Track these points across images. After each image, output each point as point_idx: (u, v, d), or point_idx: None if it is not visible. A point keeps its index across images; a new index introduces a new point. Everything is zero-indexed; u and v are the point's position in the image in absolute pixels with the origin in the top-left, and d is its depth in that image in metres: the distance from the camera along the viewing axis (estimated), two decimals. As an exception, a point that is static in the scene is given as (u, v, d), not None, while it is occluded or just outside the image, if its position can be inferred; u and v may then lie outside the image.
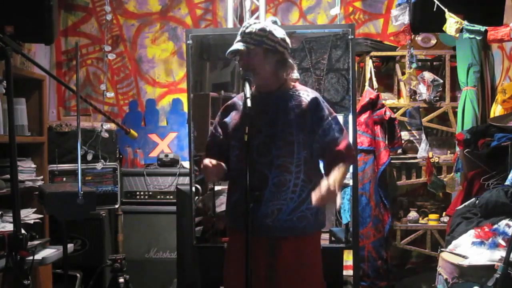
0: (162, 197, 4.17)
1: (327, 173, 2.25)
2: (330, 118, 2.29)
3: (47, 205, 2.87)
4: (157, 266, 4.09)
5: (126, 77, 4.72)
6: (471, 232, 2.63)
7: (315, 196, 2.11)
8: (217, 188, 3.33)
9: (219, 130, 2.45)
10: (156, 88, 4.69)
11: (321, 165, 2.40)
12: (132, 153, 4.49)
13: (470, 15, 2.66)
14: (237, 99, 2.46)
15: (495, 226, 2.56)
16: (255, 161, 2.20)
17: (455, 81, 4.06)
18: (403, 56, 3.99)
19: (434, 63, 4.35)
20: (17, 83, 2.06)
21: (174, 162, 4.27)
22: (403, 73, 3.98)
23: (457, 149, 3.70)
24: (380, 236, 3.84)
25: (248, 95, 2.06)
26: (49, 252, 3.12)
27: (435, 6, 2.67)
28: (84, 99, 2.80)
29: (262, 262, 2.24)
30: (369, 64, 4.05)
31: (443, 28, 2.67)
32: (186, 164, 4.00)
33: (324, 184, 2.09)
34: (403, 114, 4.09)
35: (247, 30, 2.24)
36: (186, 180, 3.70)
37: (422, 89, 4.02)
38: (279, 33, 2.27)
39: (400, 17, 3.03)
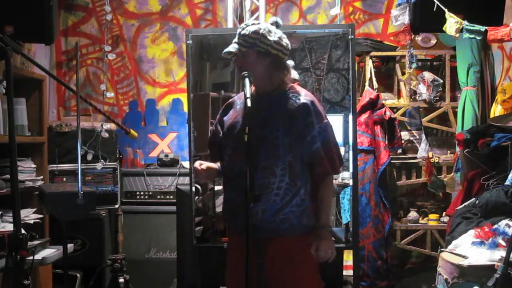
0: (162, 197, 4.17)
1: (314, 182, 2.31)
2: (318, 126, 2.26)
3: (47, 205, 2.87)
4: (157, 266, 4.08)
5: (126, 77, 4.72)
6: (471, 232, 2.63)
7: (315, 254, 2.26)
8: (217, 188, 3.33)
9: (219, 128, 2.46)
10: (156, 88, 4.69)
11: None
12: (132, 153, 4.49)
13: (470, 15, 2.65)
14: (237, 97, 2.47)
15: (495, 226, 2.56)
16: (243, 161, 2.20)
17: (455, 81, 4.06)
18: (403, 56, 3.99)
19: (434, 63, 4.34)
20: (17, 83, 2.05)
21: (174, 162, 4.27)
22: (403, 73, 3.98)
23: (457, 149, 3.69)
24: (380, 236, 3.84)
25: (248, 94, 2.05)
26: (49, 252, 3.12)
27: (435, 6, 2.67)
28: (84, 99, 2.80)
29: (251, 261, 2.25)
30: (369, 64, 4.05)
31: (443, 28, 2.67)
32: (186, 164, 4.00)
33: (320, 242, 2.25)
34: (403, 114, 4.08)
35: (241, 32, 2.25)
36: (186, 180, 3.70)
37: (422, 89, 4.02)
38: (274, 35, 2.25)
39: (400, 17, 3.03)
